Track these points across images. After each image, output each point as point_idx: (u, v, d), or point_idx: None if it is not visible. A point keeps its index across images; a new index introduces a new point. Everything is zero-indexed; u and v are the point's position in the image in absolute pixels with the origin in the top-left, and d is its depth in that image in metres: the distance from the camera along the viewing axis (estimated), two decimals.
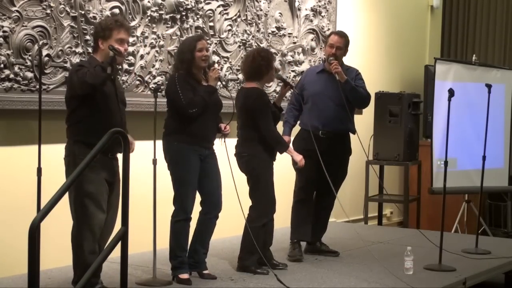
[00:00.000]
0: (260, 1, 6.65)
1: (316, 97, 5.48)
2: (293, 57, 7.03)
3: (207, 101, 4.60)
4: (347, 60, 7.95)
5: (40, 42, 4.81)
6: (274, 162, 5.06)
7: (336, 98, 5.44)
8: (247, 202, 4.96)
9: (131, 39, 5.42)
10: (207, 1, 6.10)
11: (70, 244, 4.21)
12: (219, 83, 4.78)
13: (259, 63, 4.96)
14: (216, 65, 4.94)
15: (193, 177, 4.62)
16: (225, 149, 4.68)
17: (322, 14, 7.39)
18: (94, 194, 4.11)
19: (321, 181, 5.38)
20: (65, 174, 4.15)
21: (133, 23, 5.45)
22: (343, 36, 5.58)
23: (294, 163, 5.15)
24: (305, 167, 5.22)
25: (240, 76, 6.45)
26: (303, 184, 5.50)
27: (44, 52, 4.82)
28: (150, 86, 5.57)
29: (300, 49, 7.13)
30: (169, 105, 4.69)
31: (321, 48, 7.23)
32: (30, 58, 4.76)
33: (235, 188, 4.67)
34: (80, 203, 4.12)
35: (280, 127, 5.36)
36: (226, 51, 6.32)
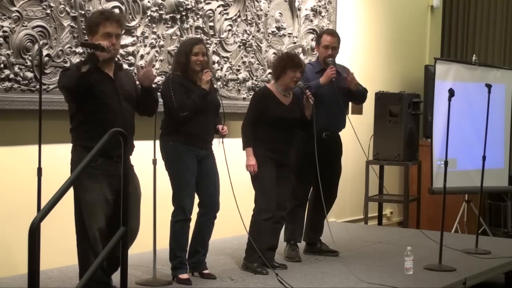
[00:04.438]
0: (260, 1, 6.65)
1: (321, 98, 5.30)
2: None
3: (198, 105, 4.59)
4: (347, 60, 7.98)
5: (40, 42, 4.81)
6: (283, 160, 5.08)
7: (338, 99, 5.42)
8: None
9: (131, 39, 5.43)
10: (207, 1, 6.10)
11: (75, 248, 4.10)
12: (219, 84, 4.81)
13: (275, 65, 5.09)
14: (211, 68, 4.96)
15: (190, 177, 4.62)
16: (224, 150, 4.68)
17: (322, 14, 7.39)
18: (90, 204, 3.94)
19: (320, 183, 5.40)
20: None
21: (133, 23, 5.45)
22: (336, 35, 5.55)
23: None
24: (307, 171, 5.29)
25: (240, 76, 6.47)
26: (305, 188, 5.50)
27: (44, 52, 4.82)
28: None
29: (300, 49, 7.13)
30: (164, 106, 4.70)
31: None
32: (30, 58, 4.76)
33: (232, 188, 4.67)
34: (78, 214, 3.99)
35: None
36: (226, 51, 6.32)
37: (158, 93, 4.71)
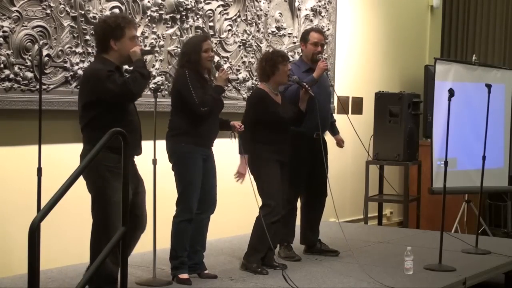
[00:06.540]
0: (260, 1, 6.65)
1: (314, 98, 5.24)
2: (293, 57, 7.02)
3: (217, 101, 4.62)
4: (347, 59, 7.99)
5: (40, 42, 4.81)
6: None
7: (327, 97, 5.49)
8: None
9: None
10: (207, 1, 6.10)
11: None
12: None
13: (263, 65, 5.03)
14: (224, 66, 4.97)
15: (199, 178, 4.62)
16: (227, 149, 4.68)
17: (322, 14, 7.39)
18: (118, 204, 3.85)
19: (312, 183, 5.43)
20: (87, 183, 4.01)
21: None
22: (323, 33, 5.61)
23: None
24: (298, 172, 5.29)
25: (240, 76, 6.47)
26: (296, 191, 5.43)
27: (44, 52, 4.82)
28: (150, 86, 5.57)
29: (300, 49, 7.12)
30: (177, 103, 4.61)
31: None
32: (30, 58, 4.76)
33: (238, 188, 4.67)
34: (102, 212, 3.98)
35: None
36: (226, 51, 6.32)
37: (159, 93, 4.72)
